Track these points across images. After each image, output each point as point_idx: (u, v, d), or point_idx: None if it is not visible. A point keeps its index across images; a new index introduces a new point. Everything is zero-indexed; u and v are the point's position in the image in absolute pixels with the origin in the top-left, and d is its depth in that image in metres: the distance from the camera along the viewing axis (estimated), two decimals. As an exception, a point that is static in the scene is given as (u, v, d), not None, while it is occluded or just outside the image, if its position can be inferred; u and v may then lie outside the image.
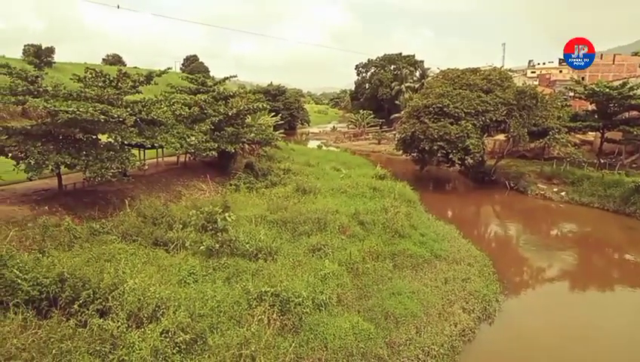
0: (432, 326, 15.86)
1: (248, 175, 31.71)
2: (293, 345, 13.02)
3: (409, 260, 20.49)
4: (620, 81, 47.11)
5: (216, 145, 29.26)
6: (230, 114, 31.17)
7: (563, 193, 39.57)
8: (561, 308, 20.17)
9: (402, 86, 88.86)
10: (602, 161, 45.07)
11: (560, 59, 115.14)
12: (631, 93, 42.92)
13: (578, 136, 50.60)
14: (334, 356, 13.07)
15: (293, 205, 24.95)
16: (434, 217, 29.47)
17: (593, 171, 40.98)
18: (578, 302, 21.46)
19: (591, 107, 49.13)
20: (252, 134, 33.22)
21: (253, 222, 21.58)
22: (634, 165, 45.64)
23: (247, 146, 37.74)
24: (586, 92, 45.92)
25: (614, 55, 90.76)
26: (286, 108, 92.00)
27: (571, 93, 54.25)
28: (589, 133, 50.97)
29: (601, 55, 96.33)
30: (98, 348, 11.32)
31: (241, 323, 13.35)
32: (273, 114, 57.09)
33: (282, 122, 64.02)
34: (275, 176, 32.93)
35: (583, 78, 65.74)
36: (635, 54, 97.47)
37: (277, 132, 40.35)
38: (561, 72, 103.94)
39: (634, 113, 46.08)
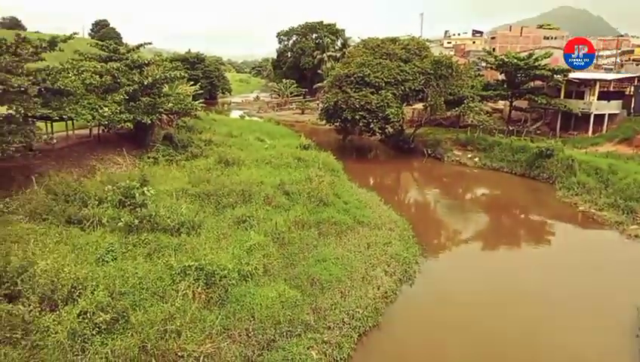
0: (356, 289, 16.40)
1: (167, 147, 30.52)
2: (220, 317, 12.97)
3: (333, 227, 20.91)
4: (527, 53, 50.14)
5: (132, 116, 27.76)
6: (146, 83, 29.59)
7: (476, 159, 41.91)
8: (476, 267, 21.56)
9: (324, 55, 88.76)
10: (511, 128, 48.10)
11: (474, 31, 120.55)
12: (536, 64, 45.84)
13: (490, 104, 53.43)
14: (261, 325, 13.19)
15: (216, 177, 24.47)
16: (357, 185, 30.16)
17: (503, 138, 43.64)
18: (491, 260, 23.06)
19: (501, 77, 51.95)
20: (170, 104, 31.82)
21: (173, 196, 20.93)
22: (538, 131, 49.14)
23: (165, 117, 36.25)
24: (496, 62, 48.41)
25: (522, 27, 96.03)
26: (206, 76, 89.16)
27: (483, 64, 57.04)
28: (500, 101, 54.02)
29: (510, 27, 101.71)
30: (8, 335, 10.63)
31: (164, 298, 13.06)
32: (192, 83, 55.09)
33: (202, 91, 61.99)
34: (196, 148, 31.97)
35: (493, 50, 69.12)
36: (540, 27, 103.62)
37: (197, 102, 38.94)
38: (474, 42, 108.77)
39: (538, 82, 49.38)
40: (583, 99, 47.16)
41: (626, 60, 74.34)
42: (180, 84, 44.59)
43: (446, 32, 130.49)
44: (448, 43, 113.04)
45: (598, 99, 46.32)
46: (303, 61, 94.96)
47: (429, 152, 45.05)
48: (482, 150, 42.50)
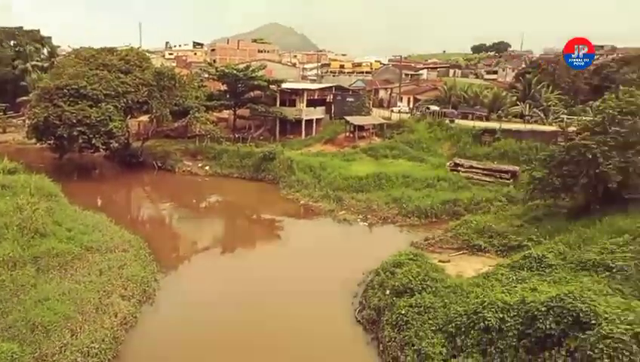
0: (89, 323, 15.02)
1: None
2: None
3: (55, 260, 18.50)
4: (244, 64, 53.81)
5: None
6: None
7: (207, 167, 42.94)
8: (217, 271, 22.40)
9: (28, 65, 77.70)
10: (237, 136, 50.86)
11: (194, 43, 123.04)
12: (253, 75, 49.63)
13: (215, 114, 55.15)
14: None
15: None
16: (81, 208, 27.30)
17: (230, 145, 45.81)
18: (230, 261, 24.27)
19: (223, 87, 54.45)
20: None
21: None
22: (261, 137, 53.20)
23: None
24: (217, 73, 50.65)
25: (238, 41, 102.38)
26: None
27: (206, 75, 58.73)
28: (224, 111, 56.45)
29: (228, 40, 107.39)
30: None
31: None
32: None
33: None
34: None
35: (214, 61, 71.82)
36: (254, 41, 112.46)
37: None
38: (195, 54, 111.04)
39: (257, 92, 53.53)
40: (295, 106, 53.20)
41: (325, 72, 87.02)
42: None
43: (167, 43, 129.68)
44: (170, 54, 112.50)
45: (307, 106, 52.96)
46: (2, 72, 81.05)
47: (160, 165, 44.07)
48: (212, 158, 43.87)
